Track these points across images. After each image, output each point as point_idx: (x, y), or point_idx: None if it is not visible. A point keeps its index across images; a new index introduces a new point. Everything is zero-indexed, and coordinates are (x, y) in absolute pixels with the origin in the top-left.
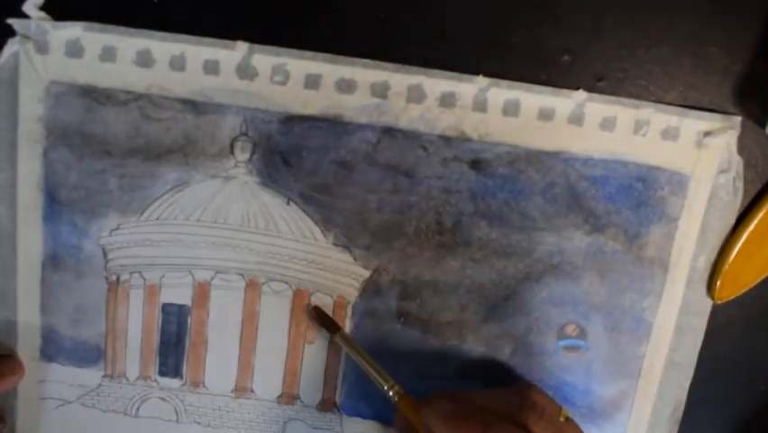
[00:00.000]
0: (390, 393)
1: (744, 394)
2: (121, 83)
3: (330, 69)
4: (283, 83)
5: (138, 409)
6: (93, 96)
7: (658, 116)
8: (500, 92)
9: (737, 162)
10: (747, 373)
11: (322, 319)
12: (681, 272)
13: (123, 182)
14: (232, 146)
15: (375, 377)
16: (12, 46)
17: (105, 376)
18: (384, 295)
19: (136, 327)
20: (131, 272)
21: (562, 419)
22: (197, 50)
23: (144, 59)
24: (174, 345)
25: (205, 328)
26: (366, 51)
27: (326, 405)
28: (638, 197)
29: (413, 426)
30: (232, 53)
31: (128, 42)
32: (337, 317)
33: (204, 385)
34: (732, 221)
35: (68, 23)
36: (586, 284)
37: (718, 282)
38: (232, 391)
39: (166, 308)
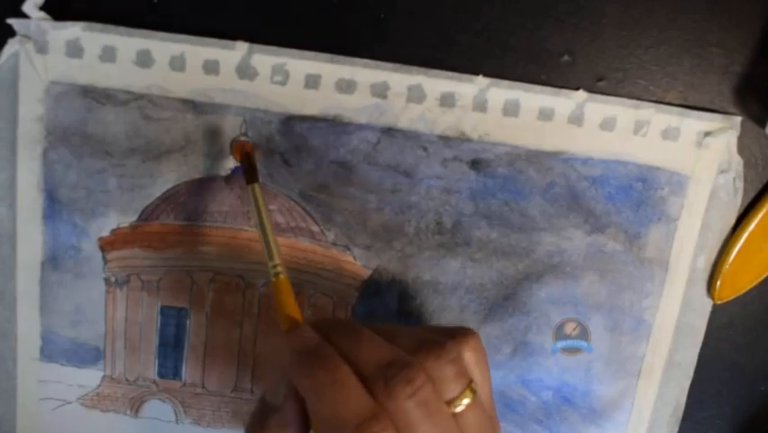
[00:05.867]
0: (271, 272)
1: (744, 394)
2: (121, 83)
3: (330, 68)
4: (283, 83)
5: (138, 409)
6: (93, 96)
7: (658, 116)
8: (500, 92)
9: (737, 162)
10: (747, 373)
11: (248, 164)
12: (681, 272)
13: (123, 182)
14: (231, 146)
15: (266, 249)
16: (12, 46)
17: (104, 377)
18: (384, 295)
19: (135, 328)
20: (129, 274)
21: (458, 407)
22: (197, 50)
23: (144, 59)
24: (173, 346)
25: (204, 330)
26: (366, 51)
27: None
28: (638, 197)
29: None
30: (232, 53)
31: (128, 42)
32: (337, 316)
33: (203, 386)
34: (732, 221)
35: (68, 23)
36: (586, 284)
37: (718, 282)
38: (231, 392)
39: (164, 311)
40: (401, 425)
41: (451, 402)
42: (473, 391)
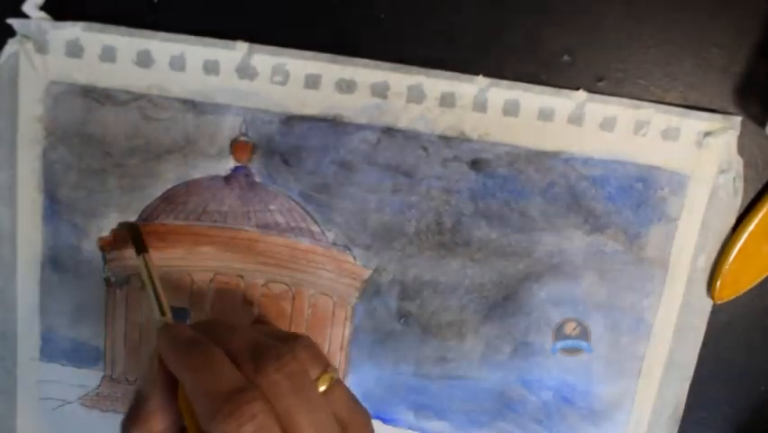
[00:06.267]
0: (159, 325)
1: (744, 394)
2: (121, 83)
3: (330, 68)
4: (283, 83)
5: None
6: (93, 96)
7: (658, 116)
8: (500, 92)
9: (737, 162)
10: (747, 373)
11: (134, 237)
12: (681, 272)
13: (123, 182)
14: (231, 146)
15: (155, 307)
16: (12, 46)
17: (104, 377)
18: (384, 295)
19: (135, 328)
20: (129, 274)
21: (321, 385)
22: (197, 50)
23: (144, 59)
24: None
25: None
26: (366, 51)
27: None
28: (638, 197)
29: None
30: (232, 53)
31: (128, 42)
32: (337, 317)
33: None
34: (732, 221)
35: (68, 23)
36: (586, 284)
37: (718, 282)
38: None
39: None
40: (272, 396)
41: (315, 381)
42: (335, 371)
